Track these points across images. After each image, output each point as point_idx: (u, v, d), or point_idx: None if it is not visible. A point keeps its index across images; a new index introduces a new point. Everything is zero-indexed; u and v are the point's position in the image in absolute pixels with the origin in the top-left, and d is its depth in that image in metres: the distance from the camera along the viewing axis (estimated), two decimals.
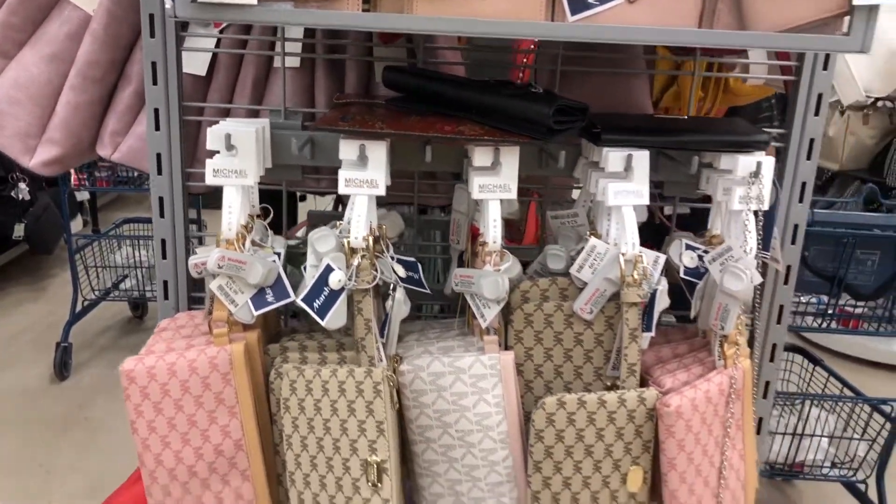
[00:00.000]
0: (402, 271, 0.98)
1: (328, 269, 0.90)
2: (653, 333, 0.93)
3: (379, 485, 0.92)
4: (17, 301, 3.89)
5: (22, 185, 3.83)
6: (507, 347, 1.00)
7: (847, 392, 2.17)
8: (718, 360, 0.99)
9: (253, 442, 0.98)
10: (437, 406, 0.98)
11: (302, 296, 0.90)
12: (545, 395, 1.01)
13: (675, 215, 1.11)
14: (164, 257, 1.09)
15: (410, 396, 0.98)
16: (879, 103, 3.58)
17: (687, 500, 0.96)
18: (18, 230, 3.78)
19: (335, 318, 0.91)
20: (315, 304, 0.89)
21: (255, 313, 0.96)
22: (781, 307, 1.12)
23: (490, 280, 0.92)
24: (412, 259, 1.03)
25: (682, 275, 0.99)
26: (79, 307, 3.26)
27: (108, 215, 4.56)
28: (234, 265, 0.93)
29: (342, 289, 0.92)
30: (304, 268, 1.00)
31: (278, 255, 1.01)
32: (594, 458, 0.96)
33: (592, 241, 0.95)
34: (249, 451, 0.98)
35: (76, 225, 4.16)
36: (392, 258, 0.98)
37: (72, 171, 3.27)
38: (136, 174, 3.31)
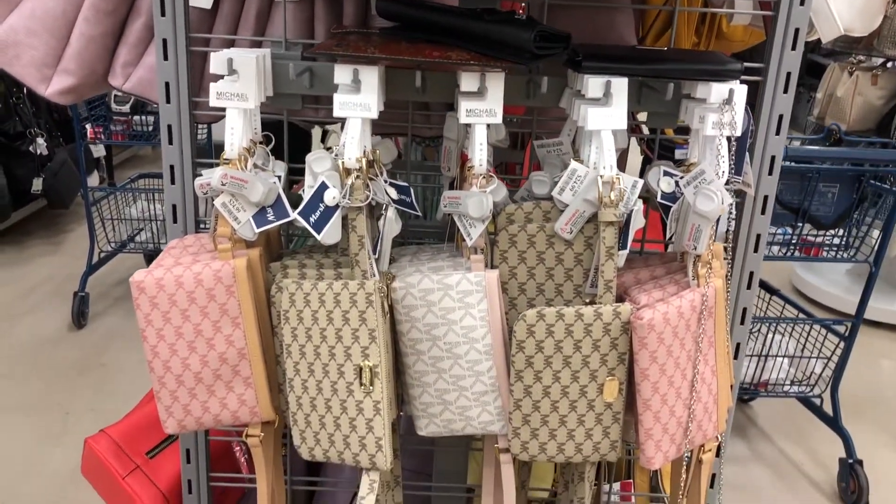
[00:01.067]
0: (394, 193, 1.04)
1: (323, 187, 0.96)
2: (627, 251, 0.99)
3: (371, 387, 0.99)
4: (35, 254, 4.00)
5: (40, 141, 3.91)
6: (492, 267, 1.06)
7: (802, 316, 2.52)
8: (692, 280, 1.04)
9: (255, 351, 1.05)
10: (427, 320, 1.05)
11: (298, 210, 0.96)
12: (528, 311, 1.07)
13: (658, 145, 1.17)
14: (172, 182, 1.16)
15: (402, 311, 1.05)
16: (889, 64, 3.59)
17: (659, 409, 1.02)
18: (37, 185, 3.88)
19: (330, 233, 0.98)
20: (311, 219, 0.96)
21: (257, 230, 1.03)
22: (759, 236, 1.17)
23: (475, 199, 0.98)
24: (404, 183, 1.09)
25: (659, 199, 1.05)
26: (95, 259, 3.36)
27: (124, 172, 4.65)
28: (237, 183, 0.99)
29: (337, 206, 0.98)
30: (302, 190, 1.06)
31: (279, 177, 1.08)
32: (572, 368, 1.02)
33: (573, 164, 1.00)
34: (252, 360, 1.06)
35: (93, 181, 4.25)
36: (385, 181, 1.04)
37: (88, 126, 3.34)
38: (150, 128, 3.37)
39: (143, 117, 3.36)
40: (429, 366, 1.07)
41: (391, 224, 1.02)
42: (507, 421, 1.06)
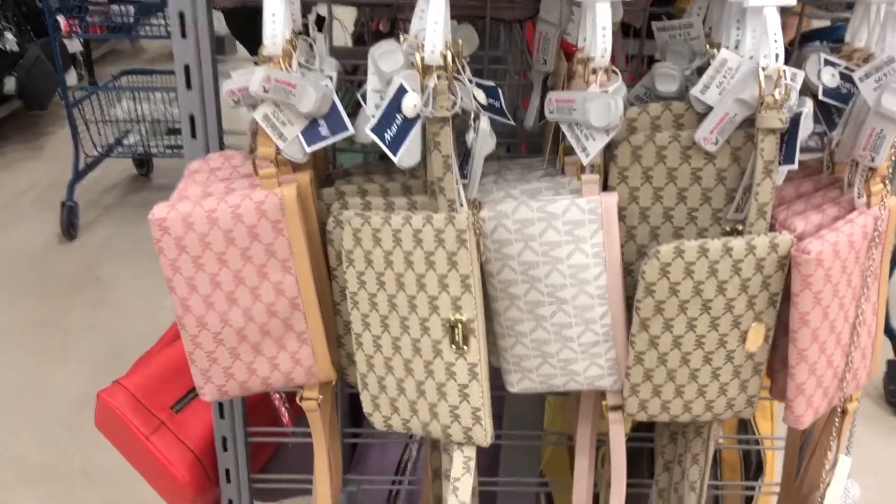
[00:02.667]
0: (482, 97, 0.81)
1: (401, 91, 0.72)
2: (794, 166, 0.77)
3: (465, 347, 0.78)
4: (15, 160, 3.72)
5: (8, 35, 3.57)
6: (605, 188, 0.84)
7: None
8: (859, 198, 0.83)
9: (311, 300, 0.84)
10: (524, 258, 0.83)
11: (371, 125, 0.73)
12: (650, 242, 0.86)
13: (800, 24, 0.92)
14: (188, 86, 0.91)
15: (492, 248, 0.83)
16: None
17: (816, 360, 0.83)
18: (9, 84, 3.56)
19: (409, 153, 0.75)
20: (386, 137, 0.73)
21: (308, 149, 0.80)
22: None
23: (600, 104, 0.75)
24: (491, 83, 0.85)
25: (820, 96, 0.82)
26: (81, 165, 3.10)
27: (103, 69, 4.30)
28: (283, 88, 0.75)
29: (417, 116, 0.75)
30: (362, 96, 0.82)
31: (330, 78, 0.84)
32: (712, 314, 0.82)
33: (724, 53, 0.77)
34: (307, 311, 0.84)
35: (71, 79, 3.92)
36: (470, 81, 0.80)
37: (61, 18, 3.01)
38: (130, 19, 3.04)
39: (122, 6, 3.02)
40: (525, 312, 0.86)
41: (485, 138, 0.78)
42: (624, 376, 0.87)
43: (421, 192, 0.86)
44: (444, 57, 0.74)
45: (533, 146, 1.10)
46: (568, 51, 0.85)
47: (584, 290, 0.83)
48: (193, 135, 0.94)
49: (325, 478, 0.96)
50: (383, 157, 1.14)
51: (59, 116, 3.97)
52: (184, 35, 0.89)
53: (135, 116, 3.11)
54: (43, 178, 3.51)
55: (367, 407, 0.86)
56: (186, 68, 0.91)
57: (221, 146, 0.95)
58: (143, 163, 3.44)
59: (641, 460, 1.31)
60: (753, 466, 1.37)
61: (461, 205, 0.79)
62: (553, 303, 0.85)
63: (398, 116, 0.73)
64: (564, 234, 0.82)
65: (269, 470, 1.28)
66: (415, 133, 0.75)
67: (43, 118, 4.11)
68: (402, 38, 0.81)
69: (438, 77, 0.74)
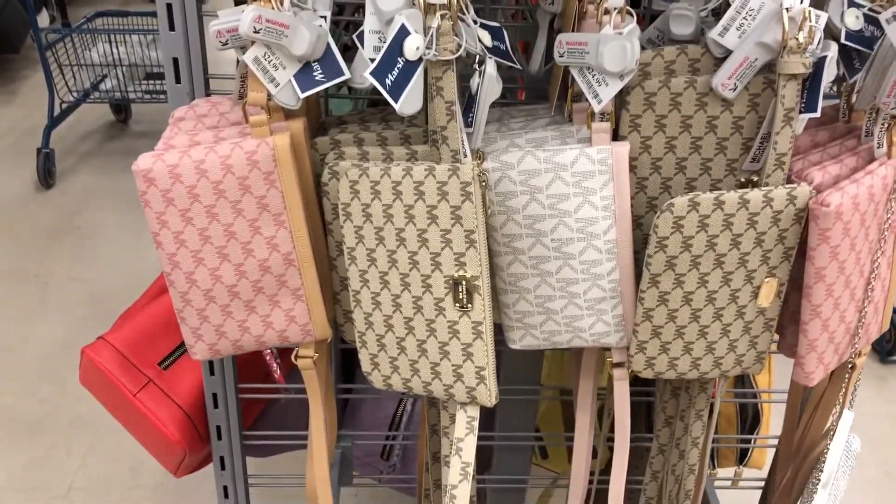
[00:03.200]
0: (487, 39, 0.76)
1: (403, 32, 0.67)
2: (817, 113, 0.73)
3: (469, 305, 0.75)
4: None
5: None
6: (616, 137, 0.80)
7: None
8: (879, 148, 0.79)
9: (306, 256, 0.80)
10: (529, 211, 0.79)
11: (371, 68, 0.68)
12: (661, 194, 0.82)
13: None
14: (170, 27, 0.85)
15: (496, 200, 0.79)
16: None
17: (829, 316, 0.80)
18: None
19: (411, 99, 0.70)
20: (387, 82, 0.68)
21: (302, 95, 0.75)
22: None
23: (615, 46, 0.70)
24: (496, 24, 0.80)
25: (843, 40, 0.78)
26: (56, 110, 3.01)
27: (76, 11, 4.14)
28: (275, 29, 0.70)
29: (420, 59, 0.70)
30: (357, 37, 0.77)
31: (324, 18, 0.78)
32: (724, 269, 0.79)
33: None
34: (302, 268, 0.80)
35: (42, 20, 3.78)
36: (475, 21, 0.75)
37: None
38: None
39: None
40: (529, 268, 0.82)
41: (490, 84, 0.74)
42: (632, 333, 0.84)
43: (420, 141, 0.82)
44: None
45: (531, 92, 1.06)
46: None
47: (592, 244, 0.80)
48: (178, 79, 0.88)
49: (322, 436, 0.93)
50: (376, 103, 1.09)
51: (34, 60, 3.84)
52: None
53: (111, 60, 3.00)
54: (18, 124, 3.40)
55: (365, 366, 0.83)
56: (169, 7, 0.85)
57: (208, 91, 0.90)
58: (121, 109, 3.34)
59: (640, 414, 1.29)
60: (749, 419, 1.36)
61: (465, 155, 0.75)
62: (559, 258, 0.81)
63: (399, 60, 0.68)
64: (573, 186, 0.78)
65: (259, 425, 1.26)
66: (417, 78, 0.70)
67: (16, 62, 3.97)
68: None
69: (442, 17, 0.69)
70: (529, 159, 0.78)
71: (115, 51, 3.02)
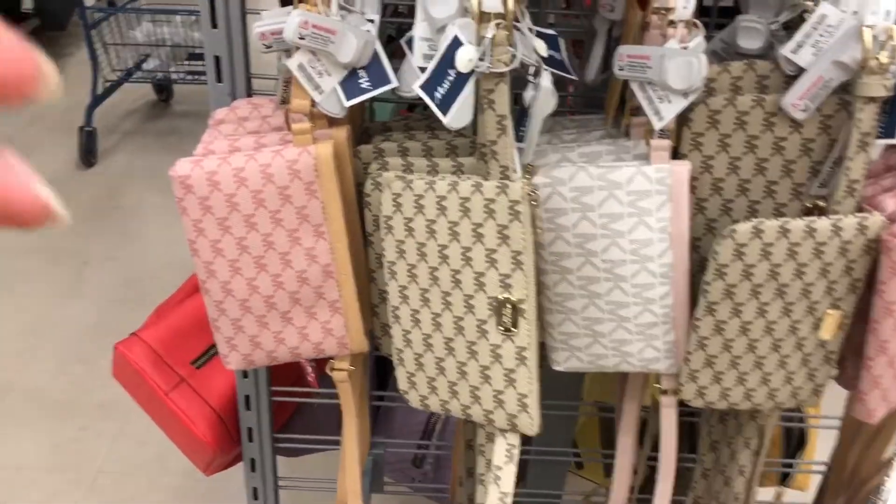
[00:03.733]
0: (543, 49, 0.72)
1: (455, 44, 0.64)
2: (895, 140, 0.68)
3: (513, 329, 0.71)
4: None
5: None
6: (676, 155, 0.76)
7: None
8: None
9: (344, 269, 0.77)
10: (580, 230, 0.75)
11: (420, 81, 0.64)
12: (721, 216, 0.78)
13: None
14: (213, 25, 0.83)
15: (545, 217, 0.76)
16: None
17: None
18: (27, 1, 3.45)
19: (461, 113, 0.67)
20: (437, 95, 0.64)
21: (347, 103, 0.72)
22: None
23: (680, 62, 0.66)
24: (552, 32, 0.76)
25: None
26: (100, 89, 3.01)
27: None
28: (321, 35, 0.67)
29: (472, 72, 0.66)
30: (405, 42, 0.74)
31: (371, 22, 0.75)
32: (786, 300, 0.74)
33: (824, 7, 0.67)
34: (340, 280, 0.78)
35: None
36: (530, 30, 0.71)
37: None
38: None
39: None
40: (577, 288, 0.79)
41: (546, 98, 0.70)
42: (683, 361, 0.80)
43: (467, 153, 0.78)
44: (505, 2, 0.65)
45: (580, 100, 1.01)
46: None
47: (646, 267, 0.76)
48: (219, 78, 0.86)
49: (354, 450, 0.91)
50: (414, 107, 1.05)
51: (79, 38, 3.85)
52: None
53: (155, 40, 3.00)
54: (61, 101, 3.41)
55: (402, 384, 0.80)
56: (212, 4, 0.82)
57: (250, 92, 0.87)
58: (163, 88, 3.34)
59: (681, 432, 1.25)
60: (795, 440, 1.31)
61: (515, 171, 0.71)
62: (609, 279, 0.77)
63: (450, 72, 0.64)
64: (627, 206, 0.74)
65: (291, 426, 1.24)
66: (468, 91, 0.66)
67: (62, 39, 4.00)
68: None
69: (497, 26, 0.66)
70: (582, 176, 0.74)
71: (158, 31, 3.01)
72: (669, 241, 0.75)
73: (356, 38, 0.68)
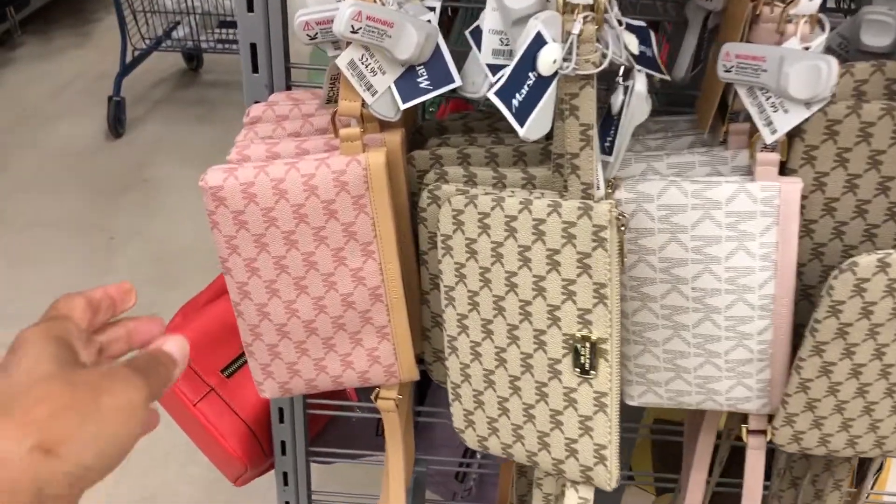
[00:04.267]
0: (634, 45, 0.61)
1: (538, 42, 0.53)
2: None
3: (592, 372, 0.62)
4: (62, 46, 3.55)
5: None
6: (783, 171, 0.65)
7: None
8: None
9: (396, 291, 0.68)
10: (668, 253, 0.65)
11: (496, 87, 0.54)
12: (831, 241, 0.67)
13: None
14: (249, 8, 0.73)
15: (628, 237, 0.66)
16: None
17: None
18: None
19: (539, 122, 0.56)
20: (514, 103, 0.54)
21: (403, 106, 0.62)
22: None
23: (806, 66, 0.55)
24: (641, 22, 0.65)
25: None
26: (129, 58, 2.92)
27: None
28: (377, 28, 0.57)
29: (554, 74, 0.56)
30: (470, 34, 0.63)
31: (432, 10, 0.64)
32: None
33: None
34: (391, 303, 0.68)
35: None
36: (620, 23, 0.60)
37: None
38: None
39: None
40: (660, 318, 0.69)
41: (639, 104, 0.59)
42: (779, 403, 0.70)
43: (537, 161, 0.68)
44: None
45: (664, 97, 0.90)
46: None
47: (744, 298, 0.66)
48: (255, 68, 0.76)
49: (400, 478, 0.82)
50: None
51: (108, 2, 3.77)
52: None
53: (184, 7, 2.90)
54: (90, 68, 3.35)
55: (458, 422, 0.71)
56: None
57: (289, 83, 0.77)
58: (193, 57, 3.25)
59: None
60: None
61: (598, 188, 0.61)
62: (699, 310, 0.67)
63: (531, 75, 0.54)
64: (726, 228, 0.64)
65: (325, 434, 1.16)
66: (548, 96, 0.56)
67: (91, 3, 3.91)
68: None
69: (584, 20, 0.55)
70: (674, 192, 0.64)
71: None
72: (773, 270, 0.65)
73: (416, 30, 0.58)
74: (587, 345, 0.61)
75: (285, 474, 1.06)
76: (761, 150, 0.63)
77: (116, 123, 2.86)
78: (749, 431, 0.75)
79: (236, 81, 3.74)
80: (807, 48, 0.57)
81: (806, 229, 0.67)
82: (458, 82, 0.63)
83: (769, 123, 0.59)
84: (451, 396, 0.70)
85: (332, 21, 0.60)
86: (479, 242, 0.64)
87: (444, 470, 1.13)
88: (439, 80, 0.62)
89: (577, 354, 0.62)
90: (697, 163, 0.67)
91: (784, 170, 0.65)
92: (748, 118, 0.65)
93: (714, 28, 0.71)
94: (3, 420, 0.34)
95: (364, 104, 0.62)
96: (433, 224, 0.67)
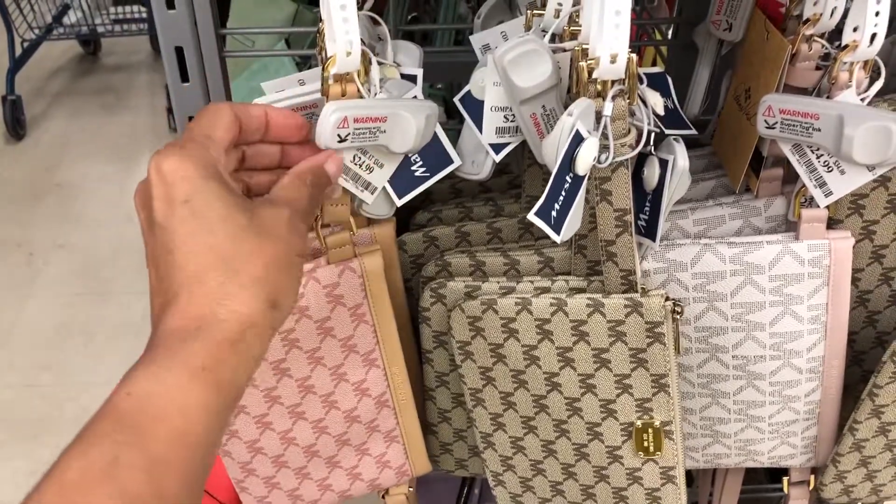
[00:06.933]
0: (660, 105, 0.52)
1: (577, 140, 0.44)
2: None
3: (657, 452, 0.55)
4: None
5: None
6: (829, 223, 0.58)
7: None
8: None
9: (404, 393, 0.59)
10: (705, 322, 0.58)
11: (537, 207, 0.44)
12: (878, 287, 0.61)
13: None
14: (169, 5, 0.60)
15: None
16: None
17: None
18: None
19: (573, 221, 0.47)
20: (553, 214, 0.45)
21: (399, 202, 0.52)
22: None
23: (873, 129, 0.47)
24: (657, 70, 0.56)
25: None
26: (18, 50, 2.67)
27: None
28: (368, 129, 0.46)
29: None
30: (460, 102, 0.54)
31: (412, 79, 0.54)
32: None
33: None
34: (399, 407, 0.60)
35: None
36: (641, 80, 0.51)
37: None
38: None
39: None
40: (696, 386, 0.62)
41: (681, 178, 0.51)
42: (831, 462, 0.64)
43: (552, 243, 0.59)
44: (630, 62, 0.45)
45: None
46: (773, 13, 0.56)
47: (791, 362, 0.59)
48: (184, 77, 0.62)
49: None
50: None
51: None
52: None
53: None
54: None
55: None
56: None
57: (228, 94, 0.65)
58: (90, 41, 3.01)
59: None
60: None
61: (637, 275, 0.53)
62: (741, 377, 0.61)
63: (568, 178, 0.45)
64: (770, 294, 0.57)
65: None
66: (581, 195, 0.47)
67: None
68: (524, 14, 0.52)
69: (614, 97, 0.46)
70: (709, 258, 0.56)
71: None
72: (823, 332, 0.58)
73: (413, 116, 0.48)
74: (650, 430, 0.54)
75: None
76: (811, 209, 0.55)
77: (15, 124, 2.62)
78: (791, 483, 0.70)
79: (140, 63, 3.48)
80: (863, 98, 0.50)
81: (853, 284, 0.61)
82: (457, 162, 0.53)
83: (822, 185, 0.52)
84: (491, 482, 0.63)
85: (304, 108, 0.49)
86: (506, 347, 0.55)
87: None
88: (436, 163, 0.53)
89: (640, 440, 0.55)
90: (728, 216, 0.59)
91: (828, 222, 0.58)
92: (778, 162, 0.57)
93: (729, 53, 0.62)
94: (233, 279, 0.37)
95: (352, 198, 0.52)
96: (438, 324, 0.58)
